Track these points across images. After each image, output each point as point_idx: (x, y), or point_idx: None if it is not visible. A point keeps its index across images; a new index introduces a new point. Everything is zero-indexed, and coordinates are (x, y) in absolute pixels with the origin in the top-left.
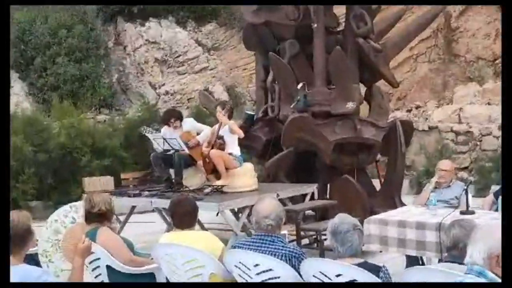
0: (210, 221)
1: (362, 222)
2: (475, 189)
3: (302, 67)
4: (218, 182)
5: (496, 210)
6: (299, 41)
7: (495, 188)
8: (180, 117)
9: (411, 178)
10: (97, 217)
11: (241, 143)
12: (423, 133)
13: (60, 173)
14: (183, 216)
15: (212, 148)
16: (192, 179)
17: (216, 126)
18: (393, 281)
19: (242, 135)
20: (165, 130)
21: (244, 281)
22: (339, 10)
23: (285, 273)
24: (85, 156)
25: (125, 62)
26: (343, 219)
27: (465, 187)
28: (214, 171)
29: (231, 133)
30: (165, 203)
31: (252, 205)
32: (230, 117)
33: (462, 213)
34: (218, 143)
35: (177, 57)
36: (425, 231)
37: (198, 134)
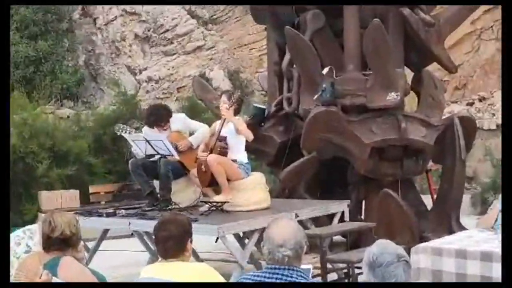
0: (206, 249)
1: (408, 252)
2: None
3: (328, 46)
4: (218, 198)
5: None
6: (324, 12)
7: None
8: (169, 116)
9: (473, 193)
10: (59, 243)
11: (249, 146)
12: (489, 133)
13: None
14: (171, 242)
15: (211, 152)
16: (184, 193)
17: (217, 123)
18: None
19: (251, 137)
20: (148, 129)
21: None
22: None
23: None
24: (42, 163)
25: (95, 39)
26: (383, 248)
27: None
28: (212, 183)
29: (236, 134)
30: (147, 225)
31: (263, 229)
32: (236, 111)
33: None
34: (219, 146)
35: (163, 32)
36: (493, 263)
37: (191, 134)
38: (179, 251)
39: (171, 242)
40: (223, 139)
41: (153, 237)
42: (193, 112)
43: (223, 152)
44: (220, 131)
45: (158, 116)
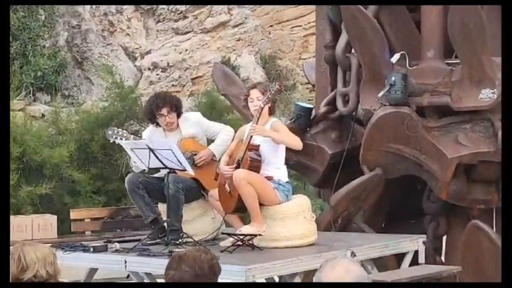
0: None
1: None
2: None
3: (400, 25)
4: (246, 229)
5: None
6: None
7: None
8: (177, 107)
9: None
10: None
11: (289, 159)
12: None
13: None
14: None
15: (238, 167)
16: (199, 222)
17: (247, 127)
18: None
19: (299, 144)
20: (151, 133)
21: None
22: None
23: None
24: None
25: (82, 11)
26: None
27: None
28: (239, 209)
29: (274, 142)
30: (150, 264)
31: (310, 272)
32: (272, 109)
33: None
34: (249, 158)
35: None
36: None
37: (209, 142)
38: None
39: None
40: (255, 148)
41: (166, 280)
42: (213, 111)
43: (255, 166)
44: (251, 138)
45: (162, 98)
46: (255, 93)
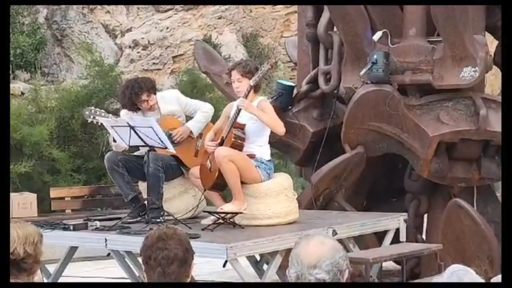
0: (212, 277)
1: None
2: None
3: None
4: (228, 207)
5: None
6: None
7: None
8: (153, 87)
9: None
10: (11, 267)
11: (270, 138)
12: None
13: None
14: (174, 265)
15: (221, 144)
16: (180, 200)
17: (234, 106)
18: None
19: (282, 131)
20: (128, 113)
21: None
22: None
23: None
24: None
25: None
26: (455, 279)
27: None
28: (220, 187)
29: (259, 120)
30: (130, 242)
31: (289, 250)
32: (257, 88)
33: None
34: (233, 136)
35: None
36: None
37: (188, 119)
38: (181, 278)
39: (174, 265)
40: (241, 126)
41: (143, 258)
42: (194, 89)
43: (238, 144)
44: (237, 116)
45: (137, 86)
46: (234, 75)
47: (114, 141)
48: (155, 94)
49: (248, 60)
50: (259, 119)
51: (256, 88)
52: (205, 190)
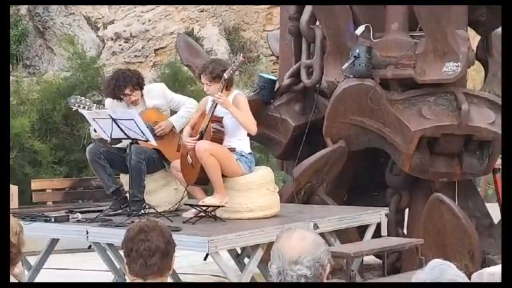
0: (193, 270)
1: (469, 277)
2: None
3: None
4: (209, 201)
5: None
6: None
7: None
8: (139, 83)
9: None
10: None
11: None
12: None
13: None
14: (155, 257)
15: (201, 138)
16: (162, 193)
17: (209, 99)
18: None
19: (254, 130)
20: (113, 103)
21: None
22: None
23: None
24: None
25: None
26: (439, 273)
27: None
28: (201, 181)
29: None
30: (111, 234)
31: (270, 243)
32: (231, 82)
33: None
34: (212, 129)
35: None
36: None
37: (173, 113)
38: (163, 270)
39: (156, 256)
40: (219, 120)
41: (125, 250)
42: (176, 82)
43: (218, 138)
44: (214, 109)
45: (123, 80)
46: (203, 79)
47: (95, 131)
48: (140, 90)
49: (215, 62)
50: (233, 116)
51: (230, 82)
52: (188, 186)
